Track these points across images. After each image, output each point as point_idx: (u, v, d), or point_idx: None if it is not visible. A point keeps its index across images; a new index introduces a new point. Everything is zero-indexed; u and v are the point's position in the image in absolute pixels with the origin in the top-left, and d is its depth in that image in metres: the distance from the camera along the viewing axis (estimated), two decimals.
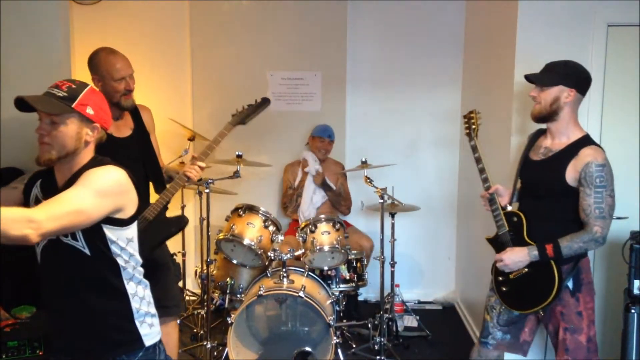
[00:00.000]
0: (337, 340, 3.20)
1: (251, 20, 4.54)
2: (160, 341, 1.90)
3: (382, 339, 3.55)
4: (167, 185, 2.69)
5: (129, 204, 1.79)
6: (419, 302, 4.70)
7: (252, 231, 3.41)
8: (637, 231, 2.57)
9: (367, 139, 4.68)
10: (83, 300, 1.77)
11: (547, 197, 2.44)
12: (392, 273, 3.83)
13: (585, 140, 2.39)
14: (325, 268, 3.57)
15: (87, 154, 1.82)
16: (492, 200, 2.54)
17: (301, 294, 3.15)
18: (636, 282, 2.48)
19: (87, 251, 1.73)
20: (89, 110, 1.79)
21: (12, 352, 2.47)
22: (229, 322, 3.16)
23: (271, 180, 4.62)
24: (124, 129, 2.72)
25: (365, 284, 3.81)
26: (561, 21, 3.11)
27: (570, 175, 2.33)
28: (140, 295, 1.85)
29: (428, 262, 4.83)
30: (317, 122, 4.44)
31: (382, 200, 3.57)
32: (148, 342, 1.84)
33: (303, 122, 4.53)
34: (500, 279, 2.52)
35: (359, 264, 3.72)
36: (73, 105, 1.76)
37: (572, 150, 2.36)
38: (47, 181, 1.83)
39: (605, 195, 2.28)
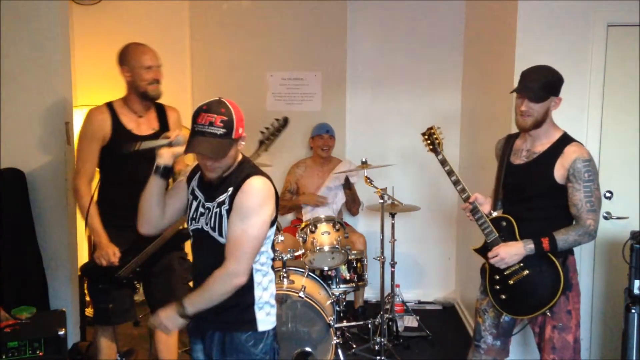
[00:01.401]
0: (338, 341, 3.19)
1: (251, 20, 4.54)
2: (273, 329, 2.02)
3: (383, 339, 3.55)
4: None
5: (275, 208, 1.96)
6: (419, 302, 4.70)
7: None
8: (637, 231, 2.57)
9: (367, 139, 4.68)
10: None
11: (535, 197, 2.45)
12: (392, 273, 3.83)
13: (566, 139, 2.43)
14: (326, 268, 3.56)
15: (239, 159, 1.98)
16: (475, 209, 2.52)
17: (301, 294, 3.15)
18: (636, 282, 2.48)
19: None
20: (241, 131, 1.90)
21: (12, 352, 2.46)
22: None
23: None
24: (144, 127, 2.72)
25: (366, 284, 3.81)
26: (561, 21, 3.11)
27: (559, 173, 2.37)
28: (264, 285, 1.99)
29: (428, 262, 4.83)
30: (318, 122, 4.44)
31: (382, 201, 3.57)
32: (261, 327, 1.97)
33: (303, 122, 4.52)
34: (498, 287, 2.48)
35: (359, 264, 3.72)
36: (233, 137, 1.87)
37: (557, 149, 2.40)
38: (203, 177, 2.00)
39: (594, 189, 2.33)
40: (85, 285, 3.76)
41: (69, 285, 3.20)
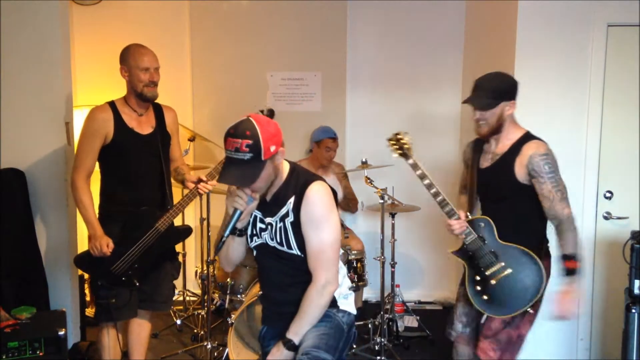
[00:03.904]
0: None
1: (251, 21, 4.54)
2: (355, 315, 2.09)
3: (383, 339, 3.55)
4: (180, 200, 2.76)
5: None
6: (419, 302, 4.70)
7: None
8: (637, 231, 2.57)
9: (367, 139, 4.67)
10: (292, 289, 1.99)
11: (503, 198, 2.45)
12: (393, 273, 3.83)
13: (526, 137, 2.42)
14: None
15: (287, 169, 1.96)
16: (450, 212, 2.44)
17: None
18: (637, 282, 2.48)
19: (301, 254, 1.95)
20: (273, 148, 1.82)
21: (12, 352, 2.46)
22: (230, 322, 3.16)
23: None
24: (145, 126, 2.78)
25: (366, 284, 3.81)
26: (561, 21, 3.11)
27: (520, 172, 2.36)
28: (339, 282, 2.02)
29: (428, 262, 4.82)
30: (318, 122, 4.43)
31: (382, 201, 3.57)
32: (342, 307, 2.05)
33: (303, 123, 4.52)
34: (479, 288, 2.43)
35: (359, 264, 3.72)
36: (264, 159, 1.80)
37: (516, 148, 2.39)
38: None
39: (559, 179, 2.32)
40: (86, 284, 3.77)
41: (69, 285, 3.20)
